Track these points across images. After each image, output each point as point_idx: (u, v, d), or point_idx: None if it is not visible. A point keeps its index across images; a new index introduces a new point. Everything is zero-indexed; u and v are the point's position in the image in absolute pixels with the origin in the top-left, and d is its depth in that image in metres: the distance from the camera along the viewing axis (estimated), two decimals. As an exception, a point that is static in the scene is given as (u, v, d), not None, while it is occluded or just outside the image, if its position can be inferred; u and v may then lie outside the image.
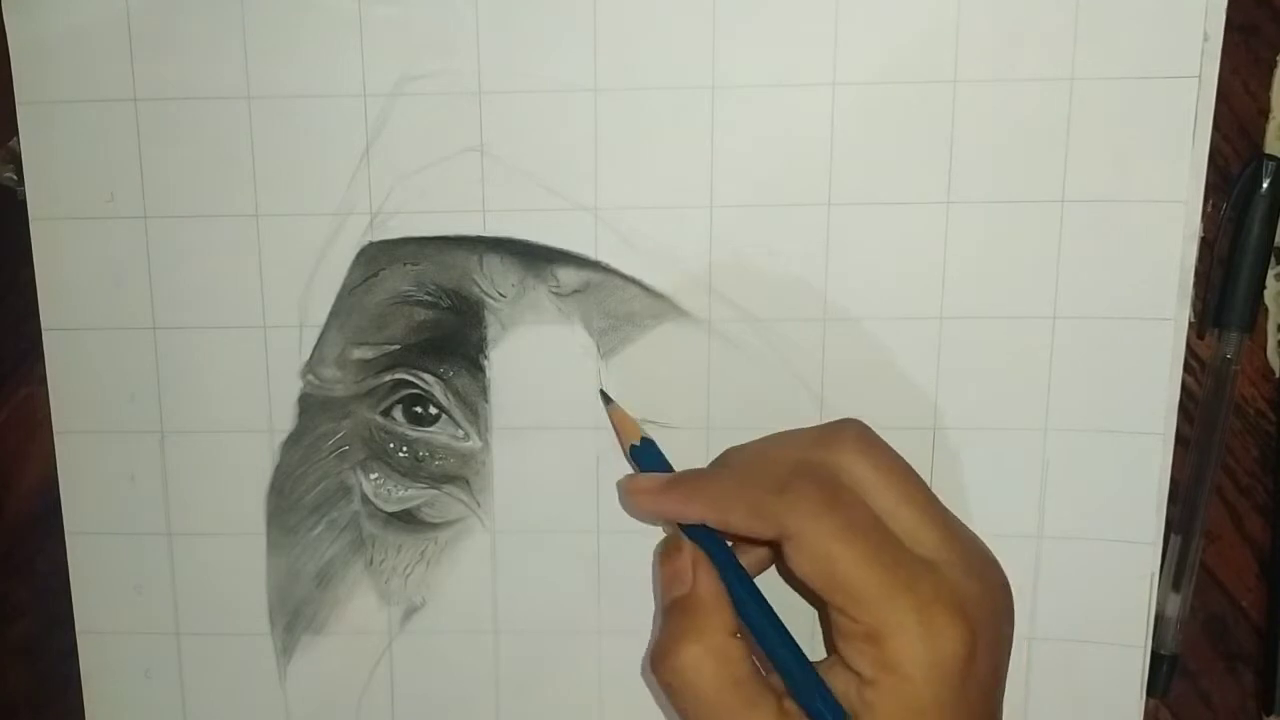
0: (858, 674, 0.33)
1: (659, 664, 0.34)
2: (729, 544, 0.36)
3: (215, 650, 0.42)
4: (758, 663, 0.35)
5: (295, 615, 0.41)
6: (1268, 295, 0.39)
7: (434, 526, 0.41)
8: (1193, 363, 0.39)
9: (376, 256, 0.39)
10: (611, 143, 0.38)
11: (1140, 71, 0.37)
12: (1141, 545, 0.39)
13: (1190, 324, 0.39)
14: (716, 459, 0.38)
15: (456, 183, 0.39)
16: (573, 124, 0.38)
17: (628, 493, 0.37)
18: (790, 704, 0.34)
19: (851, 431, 0.35)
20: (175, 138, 0.39)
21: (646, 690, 0.41)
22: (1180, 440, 0.39)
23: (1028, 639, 0.40)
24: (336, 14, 0.38)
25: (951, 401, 0.39)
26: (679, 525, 0.36)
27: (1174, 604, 0.40)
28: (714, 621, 0.34)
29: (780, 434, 0.37)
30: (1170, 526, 0.39)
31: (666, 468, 0.38)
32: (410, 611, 0.41)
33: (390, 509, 0.41)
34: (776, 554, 0.36)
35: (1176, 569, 0.40)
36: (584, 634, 0.41)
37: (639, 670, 0.41)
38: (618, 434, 0.39)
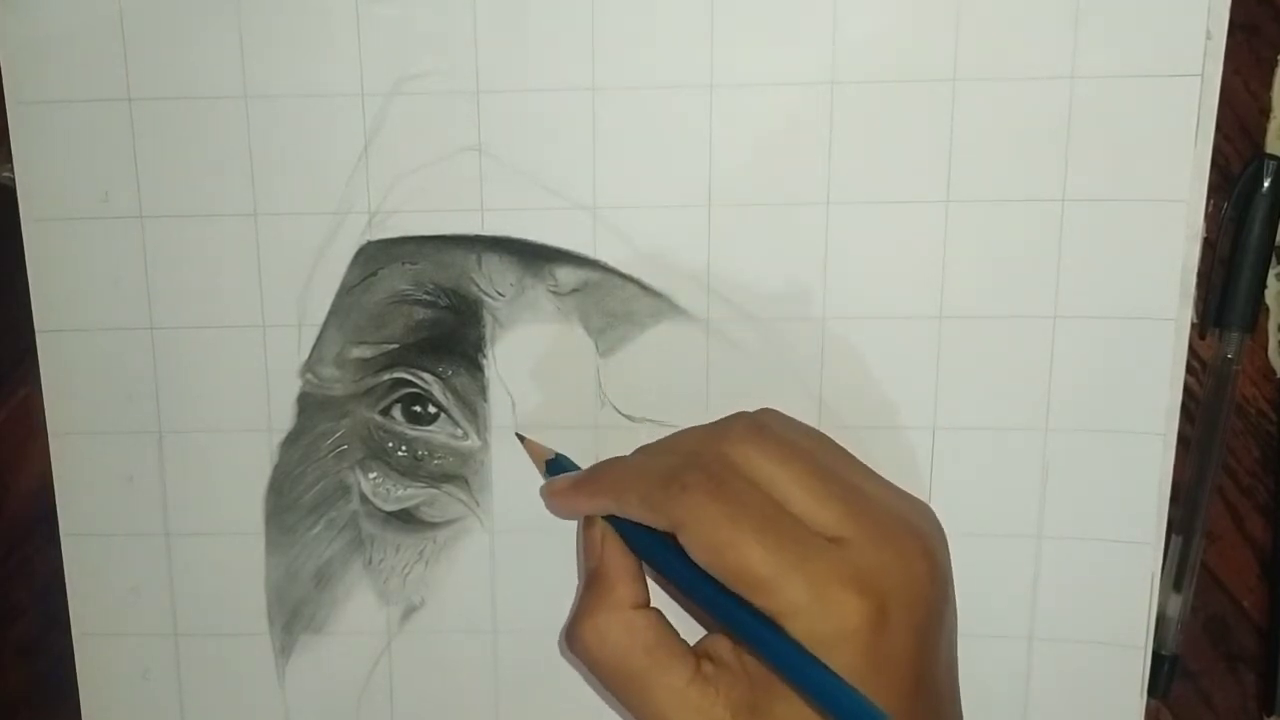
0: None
1: (568, 637, 0.36)
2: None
3: (213, 651, 0.41)
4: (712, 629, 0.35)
5: (294, 615, 0.41)
6: (1269, 295, 0.39)
7: (433, 526, 0.41)
8: (1194, 363, 0.39)
9: (375, 256, 0.39)
10: (610, 141, 0.38)
11: (1141, 70, 0.37)
12: (1142, 545, 0.39)
13: (1191, 324, 0.38)
14: (633, 453, 0.38)
15: (455, 182, 0.39)
16: (571, 123, 0.38)
17: (547, 495, 0.39)
18: (709, 665, 0.34)
19: (740, 422, 0.35)
20: (171, 137, 0.39)
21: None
22: (1181, 440, 0.39)
23: (1028, 639, 0.40)
24: (334, 13, 0.38)
25: (951, 401, 0.39)
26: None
27: (1175, 604, 0.40)
28: (618, 593, 0.35)
29: (684, 429, 0.37)
30: (1171, 527, 0.39)
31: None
32: (409, 611, 0.41)
33: (389, 508, 0.41)
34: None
35: (1177, 569, 0.40)
36: (583, 634, 0.41)
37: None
38: (535, 463, 0.40)
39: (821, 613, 0.31)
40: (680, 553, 0.33)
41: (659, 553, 0.35)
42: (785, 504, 0.33)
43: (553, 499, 0.39)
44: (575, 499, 0.37)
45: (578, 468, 0.39)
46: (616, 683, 0.34)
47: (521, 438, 0.40)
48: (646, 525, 0.34)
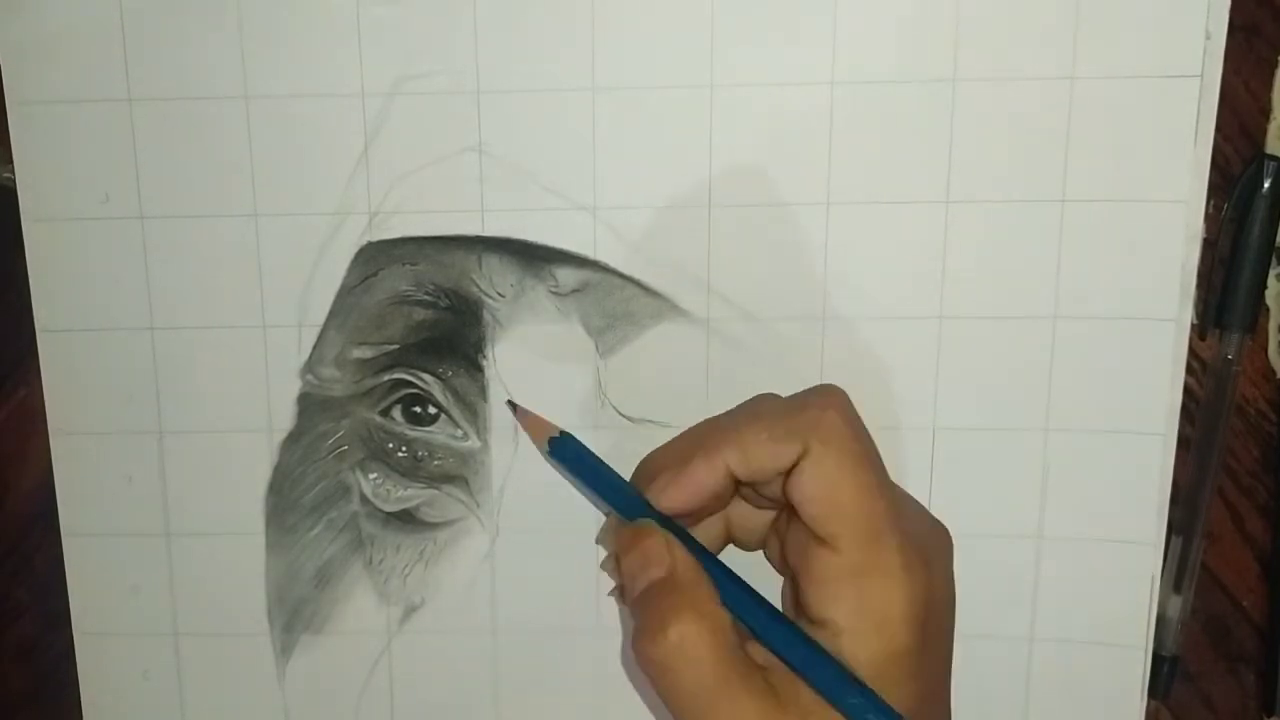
0: (830, 625, 0.31)
1: (650, 648, 0.32)
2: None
3: (213, 651, 0.42)
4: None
5: (294, 615, 0.41)
6: (1269, 296, 0.39)
7: (433, 526, 0.41)
8: (1194, 363, 0.39)
9: (375, 256, 0.39)
10: (610, 142, 0.38)
11: (1141, 70, 0.37)
12: (1142, 546, 0.39)
13: (1191, 325, 0.38)
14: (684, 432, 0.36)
15: (455, 182, 0.39)
16: (571, 123, 0.38)
17: (651, 482, 0.34)
18: (775, 676, 0.32)
19: (824, 388, 0.34)
20: (171, 138, 0.39)
21: (645, 689, 0.41)
22: (1181, 441, 0.39)
23: (1028, 640, 0.40)
24: (334, 13, 0.38)
25: (951, 401, 0.39)
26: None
27: (1175, 605, 0.40)
28: (702, 593, 0.32)
29: (759, 396, 0.36)
30: (1171, 527, 0.39)
31: (591, 457, 0.36)
32: (409, 611, 0.41)
33: (389, 509, 0.41)
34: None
35: (1178, 570, 0.40)
36: (583, 634, 0.41)
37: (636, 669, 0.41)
38: (533, 439, 0.38)
39: (904, 578, 0.31)
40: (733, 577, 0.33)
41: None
42: None
43: (654, 497, 0.34)
44: (692, 473, 0.33)
45: (585, 447, 0.37)
46: (699, 690, 0.31)
47: (514, 406, 0.38)
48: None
